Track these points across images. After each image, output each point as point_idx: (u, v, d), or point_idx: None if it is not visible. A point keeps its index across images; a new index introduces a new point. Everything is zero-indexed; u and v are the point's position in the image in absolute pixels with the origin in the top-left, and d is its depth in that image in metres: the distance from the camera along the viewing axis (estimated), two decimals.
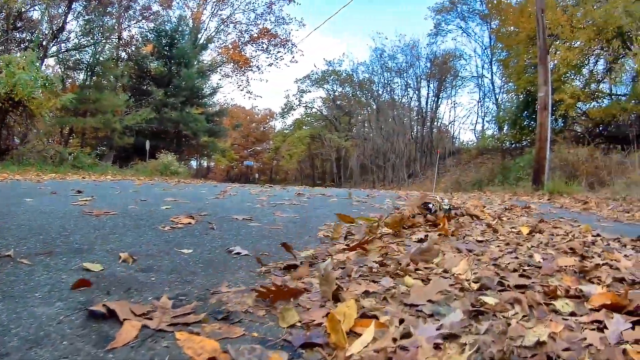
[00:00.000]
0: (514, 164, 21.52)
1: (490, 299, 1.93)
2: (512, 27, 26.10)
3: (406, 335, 1.47)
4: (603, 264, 2.89)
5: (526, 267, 2.70)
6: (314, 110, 48.12)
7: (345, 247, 3.04)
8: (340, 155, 42.38)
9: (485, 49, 35.65)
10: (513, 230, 4.30)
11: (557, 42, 21.48)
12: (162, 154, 23.47)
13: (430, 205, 4.45)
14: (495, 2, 30.69)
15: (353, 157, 40.21)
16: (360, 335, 1.49)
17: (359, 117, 45.30)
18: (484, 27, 36.00)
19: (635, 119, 21.34)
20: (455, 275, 2.34)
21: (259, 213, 4.75)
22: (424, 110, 39.79)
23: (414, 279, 2.27)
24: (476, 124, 40.42)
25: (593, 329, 1.71)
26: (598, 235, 4.21)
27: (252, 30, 38.73)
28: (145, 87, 30.61)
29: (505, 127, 27.03)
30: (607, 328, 1.70)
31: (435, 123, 40.76)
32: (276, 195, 7.68)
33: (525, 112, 24.48)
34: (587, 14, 20.57)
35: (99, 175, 15.94)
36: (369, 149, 39.83)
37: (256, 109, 59.15)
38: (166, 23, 33.07)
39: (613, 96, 23.04)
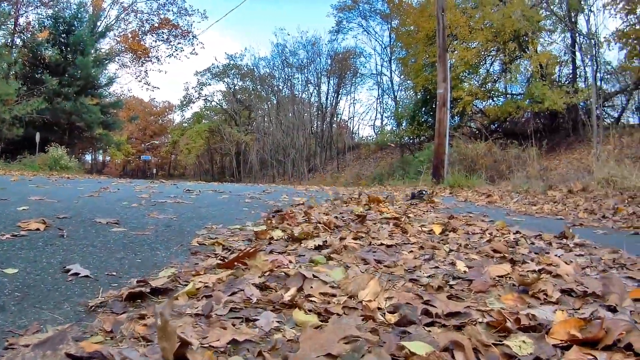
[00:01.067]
0: (414, 158, 21.79)
1: (418, 347, 1.27)
2: (412, 27, 26.63)
3: None
4: (540, 270, 2.40)
5: (452, 282, 2.11)
6: (213, 103, 47.29)
7: (220, 261, 2.28)
8: (240, 150, 41.32)
9: (385, 47, 36.27)
10: (424, 229, 3.76)
11: (456, 42, 22.11)
12: (52, 147, 21.39)
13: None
14: (396, 1, 31.28)
15: (253, 151, 39.45)
16: None
17: (259, 112, 44.75)
18: (384, 27, 36.57)
19: (530, 117, 22.55)
20: (364, 303, 1.66)
21: (131, 214, 3.85)
22: (323, 105, 40.04)
23: (307, 311, 1.57)
24: (375, 119, 41.13)
25: None
26: (518, 232, 3.78)
27: (153, 20, 37.04)
28: (38, 75, 27.82)
29: (404, 123, 27.42)
30: None
31: (335, 118, 41.18)
32: (162, 192, 6.67)
33: (424, 108, 25.06)
34: (486, 16, 21.48)
35: None
36: (269, 144, 39.36)
37: (154, 102, 57.60)
38: (65, 9, 30.73)
39: (508, 95, 24.25)
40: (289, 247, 2.69)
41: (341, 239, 2.88)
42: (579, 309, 1.80)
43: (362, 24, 36.55)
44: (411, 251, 2.75)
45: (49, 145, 22.02)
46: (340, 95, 40.29)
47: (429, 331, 1.45)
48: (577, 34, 21.13)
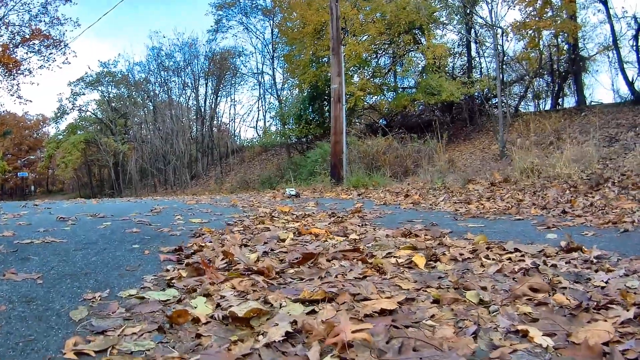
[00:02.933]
0: (304, 158, 20.88)
1: None
2: (297, 21, 25.82)
3: None
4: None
5: None
6: (88, 113, 44.64)
7: None
8: (118, 160, 38.98)
9: (267, 45, 35.22)
10: (396, 260, 2.77)
11: (346, 36, 21.62)
12: None
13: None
14: None
15: (131, 161, 37.25)
16: None
17: (136, 119, 42.66)
18: (266, 23, 35.77)
19: (422, 110, 22.82)
20: None
21: None
22: (202, 109, 38.48)
23: None
24: (258, 120, 40.24)
25: None
26: (517, 250, 2.92)
27: (25, 32, 33.59)
28: None
29: (290, 122, 26.57)
30: None
31: (215, 121, 39.87)
32: (32, 223, 4.87)
33: (311, 106, 24.32)
34: (378, 8, 21.19)
35: None
36: (148, 152, 37.35)
37: (28, 115, 55.08)
38: None
39: (399, 89, 24.21)
40: (236, 343, 1.50)
41: (313, 311, 1.78)
42: None
43: (242, 21, 35.26)
44: (432, 316, 1.72)
45: None
46: (219, 97, 39.14)
47: None
48: (473, 25, 21.62)
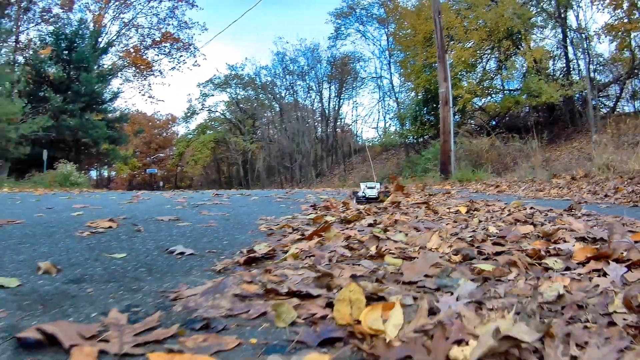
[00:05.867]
0: (420, 157, 22.26)
1: (485, 266, 1.83)
2: (409, 30, 27.11)
3: (431, 311, 1.29)
4: (558, 228, 2.93)
5: (491, 237, 2.66)
6: (217, 114, 47.33)
7: (300, 237, 2.77)
8: (246, 159, 41.60)
9: (383, 51, 36.80)
10: (451, 210, 4.30)
11: (452, 43, 22.65)
12: (60, 164, 21.01)
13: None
14: (392, 6, 31.88)
15: (259, 159, 39.99)
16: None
17: (263, 120, 45.05)
18: (381, 31, 37.20)
19: (528, 111, 23.17)
20: (432, 250, 2.21)
21: (185, 214, 4.22)
22: (326, 111, 40.61)
23: (394, 258, 2.10)
24: (378, 121, 41.65)
25: (598, 277, 1.67)
26: (532, 207, 4.31)
27: (154, 34, 37.50)
28: (42, 93, 27.98)
29: (407, 123, 27.89)
30: (607, 274, 1.68)
31: (338, 122, 41.71)
32: (193, 197, 7.12)
33: (425, 108, 25.47)
34: (479, 16, 22.11)
35: None
36: (275, 151, 39.91)
37: (158, 114, 57.43)
38: (66, 26, 30.77)
39: (505, 91, 24.84)
40: (346, 226, 3.23)
41: (389, 217, 3.44)
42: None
43: (359, 29, 37.10)
44: (448, 223, 3.29)
45: (57, 162, 21.66)
46: (342, 100, 40.83)
47: (487, 262, 2.00)
48: (567, 29, 21.75)
